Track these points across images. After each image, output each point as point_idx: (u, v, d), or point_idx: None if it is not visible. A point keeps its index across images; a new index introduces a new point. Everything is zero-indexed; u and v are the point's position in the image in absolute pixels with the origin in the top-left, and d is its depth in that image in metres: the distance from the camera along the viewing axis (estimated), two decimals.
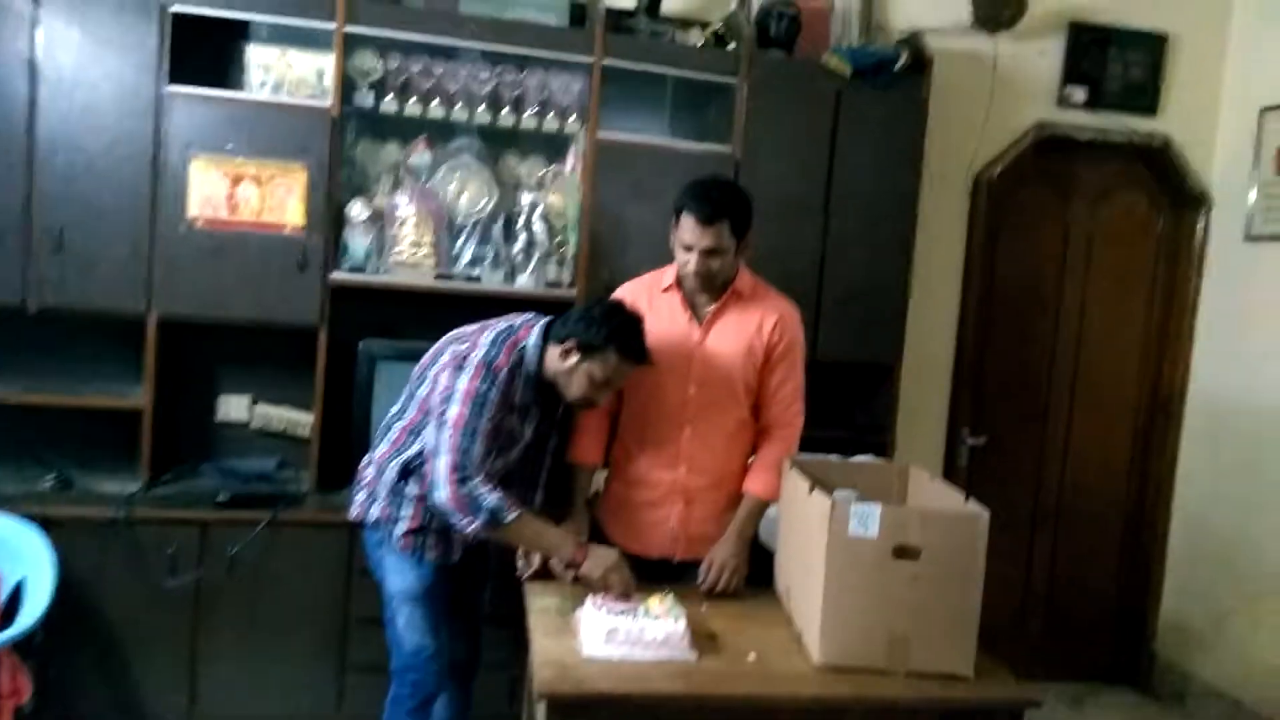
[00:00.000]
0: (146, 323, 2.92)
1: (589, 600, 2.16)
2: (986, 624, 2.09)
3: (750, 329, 2.51)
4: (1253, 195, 3.80)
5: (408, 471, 2.41)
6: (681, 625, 2.07)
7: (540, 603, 2.28)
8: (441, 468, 2.25)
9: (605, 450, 2.64)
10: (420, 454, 2.37)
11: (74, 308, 2.89)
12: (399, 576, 2.45)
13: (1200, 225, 4.03)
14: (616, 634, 2.02)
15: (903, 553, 2.04)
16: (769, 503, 2.53)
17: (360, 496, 2.50)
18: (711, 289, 2.52)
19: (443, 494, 2.24)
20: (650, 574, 2.44)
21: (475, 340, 2.37)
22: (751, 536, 2.53)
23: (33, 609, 2.53)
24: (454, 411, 2.27)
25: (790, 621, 2.28)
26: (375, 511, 2.45)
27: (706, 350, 2.51)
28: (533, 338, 2.40)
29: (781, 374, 2.55)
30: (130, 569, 2.81)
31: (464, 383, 2.29)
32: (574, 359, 2.33)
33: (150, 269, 2.90)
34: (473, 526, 2.24)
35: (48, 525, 2.71)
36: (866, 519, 2.05)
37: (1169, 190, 4.07)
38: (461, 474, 2.24)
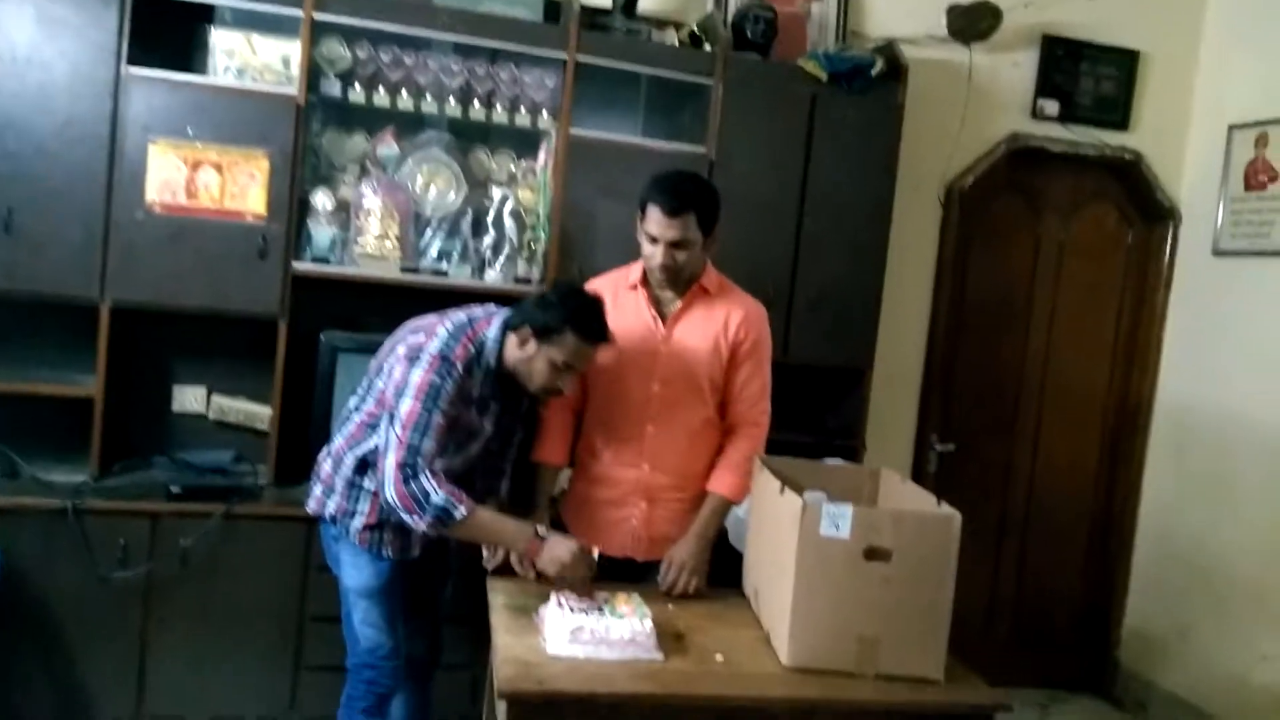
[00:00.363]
0: (100, 309, 2.82)
1: (553, 598, 2.10)
2: (953, 630, 2.06)
3: (716, 326, 2.48)
4: (1221, 211, 3.84)
5: (365, 465, 2.35)
6: (648, 625, 2.02)
7: (502, 600, 2.22)
8: (389, 465, 2.17)
9: (570, 450, 2.59)
10: (377, 448, 2.29)
11: (23, 291, 2.79)
12: (356, 572, 2.38)
13: (1169, 239, 4.06)
14: (581, 632, 1.97)
15: (874, 554, 2.00)
16: (733, 502, 2.48)
17: (317, 490, 2.43)
18: (677, 284, 2.47)
19: (390, 492, 2.16)
20: (613, 574, 2.40)
21: (432, 331, 2.30)
22: (714, 537, 2.47)
23: None
24: (405, 407, 2.19)
25: (758, 623, 2.24)
26: (332, 506, 2.38)
27: (671, 347, 2.47)
28: (493, 330, 2.34)
29: (747, 372, 2.50)
30: (78, 561, 2.71)
31: (418, 376, 2.21)
32: (532, 345, 2.28)
33: (105, 254, 2.81)
34: (422, 524, 2.16)
35: None
36: (838, 519, 2.01)
37: (1139, 204, 4.10)
38: (408, 471, 2.15)
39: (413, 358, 2.24)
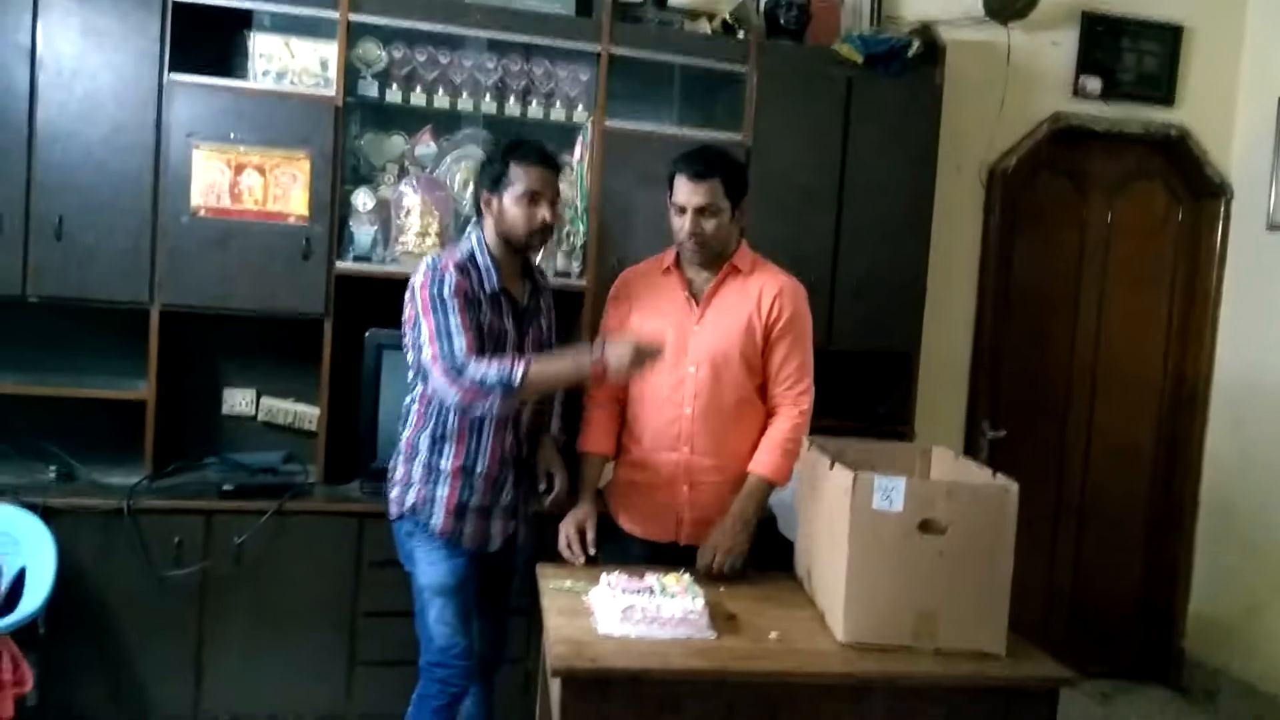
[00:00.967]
0: (150, 313, 2.87)
1: (602, 579, 2.08)
2: (1009, 621, 2.01)
3: (749, 304, 2.45)
4: (1274, 184, 3.74)
5: (438, 442, 2.35)
6: (700, 603, 1.99)
7: (552, 584, 2.21)
8: (437, 376, 2.22)
9: (615, 439, 2.57)
10: (445, 421, 2.34)
11: (75, 298, 2.84)
12: (431, 569, 2.36)
13: (1220, 216, 3.96)
14: (633, 612, 1.95)
15: (929, 527, 1.96)
16: (772, 483, 2.43)
17: (394, 492, 2.40)
18: (708, 258, 2.45)
19: (452, 398, 2.22)
20: (658, 559, 2.39)
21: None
22: (753, 518, 2.41)
23: (34, 598, 2.47)
24: (423, 328, 2.26)
25: (812, 604, 2.20)
26: (410, 498, 2.36)
27: (705, 327, 2.45)
28: (468, 232, 2.44)
29: (784, 351, 2.46)
30: (134, 559, 2.74)
31: (419, 299, 2.28)
32: (495, 202, 2.34)
33: (153, 259, 2.85)
34: (497, 405, 2.21)
35: (49, 515, 2.65)
36: (891, 493, 1.98)
37: (1187, 181, 4.01)
38: (453, 370, 2.20)
39: (410, 298, 2.33)
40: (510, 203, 2.33)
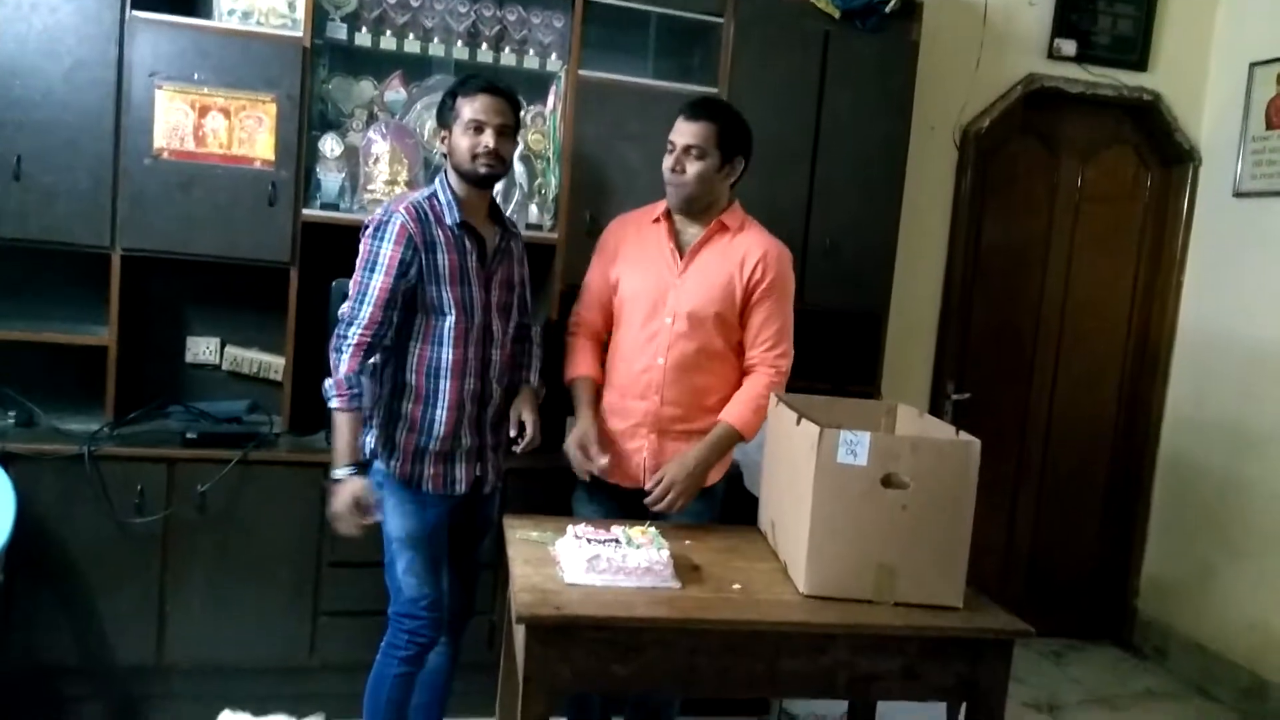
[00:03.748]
0: (111, 257, 2.81)
1: (569, 530, 2.09)
2: (969, 579, 2.04)
3: (731, 264, 2.46)
4: (1241, 152, 3.77)
5: (398, 387, 2.34)
6: (665, 554, 2.01)
7: (519, 534, 2.21)
8: (335, 340, 2.28)
9: (600, 364, 2.58)
10: (405, 366, 2.35)
11: (34, 239, 2.78)
12: (400, 519, 2.35)
13: (1188, 182, 4.00)
14: (598, 561, 1.96)
15: (892, 481, 1.98)
16: (739, 434, 2.46)
17: (365, 437, 2.38)
18: (685, 202, 2.45)
19: (331, 360, 2.28)
20: (626, 502, 2.48)
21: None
22: (711, 462, 2.45)
23: None
24: (354, 281, 2.31)
25: (776, 556, 2.23)
26: (371, 441, 2.36)
27: (686, 281, 2.47)
28: (439, 176, 2.43)
29: (764, 314, 2.48)
30: (96, 507, 2.71)
31: (361, 246, 2.32)
32: (449, 138, 2.38)
33: (114, 202, 2.79)
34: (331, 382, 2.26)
35: (7, 461, 2.61)
36: (855, 447, 1.99)
37: (1158, 146, 4.04)
38: (338, 338, 2.27)
39: (360, 233, 2.35)
40: (459, 135, 2.34)
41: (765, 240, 2.51)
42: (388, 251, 2.27)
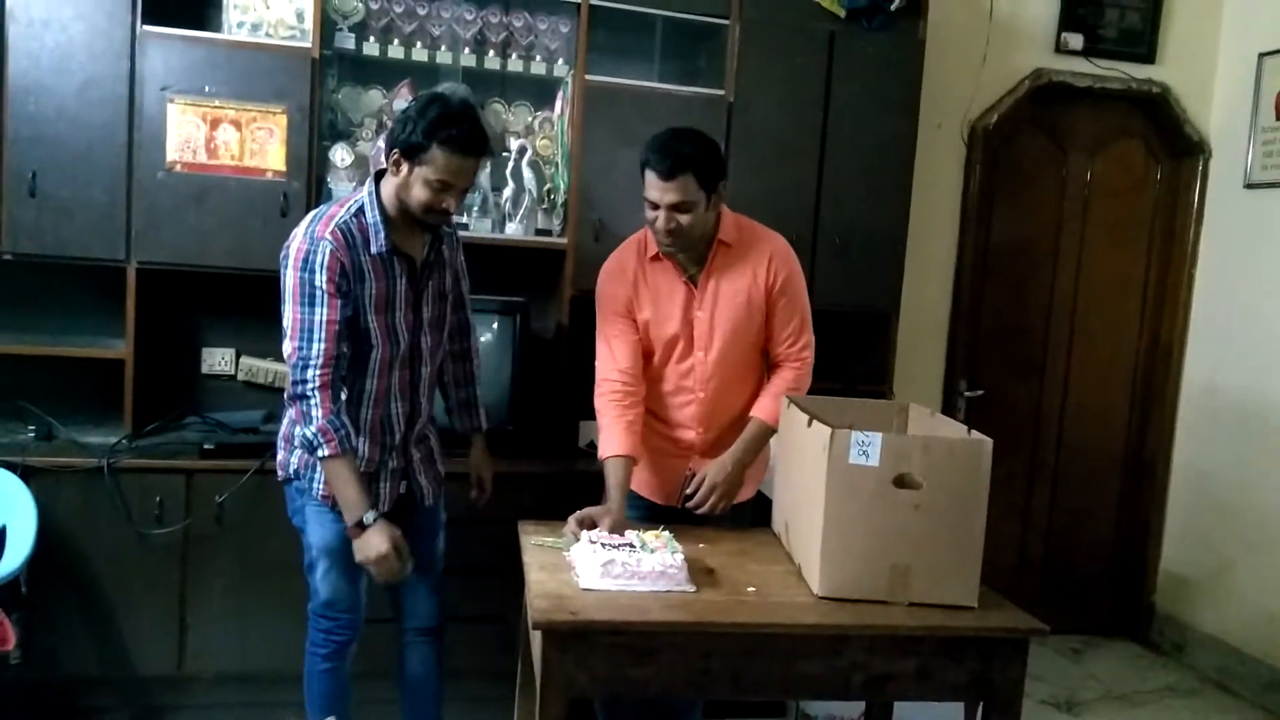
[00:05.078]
0: (126, 271, 2.84)
1: (584, 536, 2.10)
2: (983, 578, 2.04)
3: (746, 280, 2.42)
4: (1251, 143, 3.76)
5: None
6: (679, 558, 2.02)
7: (534, 540, 2.23)
8: (290, 377, 2.12)
9: (639, 441, 2.43)
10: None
11: (50, 255, 2.81)
12: (320, 529, 2.29)
13: (1198, 174, 3.98)
14: (613, 566, 1.97)
15: (904, 482, 1.98)
16: (772, 429, 2.45)
17: (279, 455, 2.33)
18: (688, 247, 2.37)
19: (291, 412, 2.16)
20: (658, 518, 2.41)
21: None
22: (750, 462, 2.47)
23: (14, 557, 2.47)
24: (287, 315, 2.13)
25: (790, 558, 2.23)
26: (294, 462, 2.28)
27: (707, 310, 2.42)
28: (366, 186, 2.22)
29: (785, 313, 2.46)
30: (115, 518, 2.74)
31: (289, 279, 2.12)
32: (404, 168, 2.14)
33: (129, 215, 2.82)
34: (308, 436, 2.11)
35: (28, 474, 2.64)
36: (868, 447, 1.99)
37: (1167, 139, 4.02)
38: (299, 385, 2.09)
39: (283, 262, 2.16)
40: (420, 184, 2.13)
41: (768, 241, 2.48)
42: (322, 283, 2.10)
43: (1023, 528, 4.08)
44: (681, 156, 2.26)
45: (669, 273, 2.43)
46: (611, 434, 2.39)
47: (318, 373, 2.11)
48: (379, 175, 2.24)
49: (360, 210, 2.19)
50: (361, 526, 2.14)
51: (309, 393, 2.11)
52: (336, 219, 2.15)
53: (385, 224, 2.19)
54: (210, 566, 2.82)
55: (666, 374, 2.47)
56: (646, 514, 2.50)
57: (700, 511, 2.40)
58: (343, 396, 2.20)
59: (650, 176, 2.27)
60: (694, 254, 2.41)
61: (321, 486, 2.25)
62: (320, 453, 2.11)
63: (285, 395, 2.25)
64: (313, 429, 2.10)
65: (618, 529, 2.20)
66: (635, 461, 2.41)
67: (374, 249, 2.17)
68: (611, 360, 2.43)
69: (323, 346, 2.11)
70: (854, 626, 1.92)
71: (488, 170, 3.15)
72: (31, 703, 2.74)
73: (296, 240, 2.15)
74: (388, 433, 2.30)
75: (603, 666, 1.86)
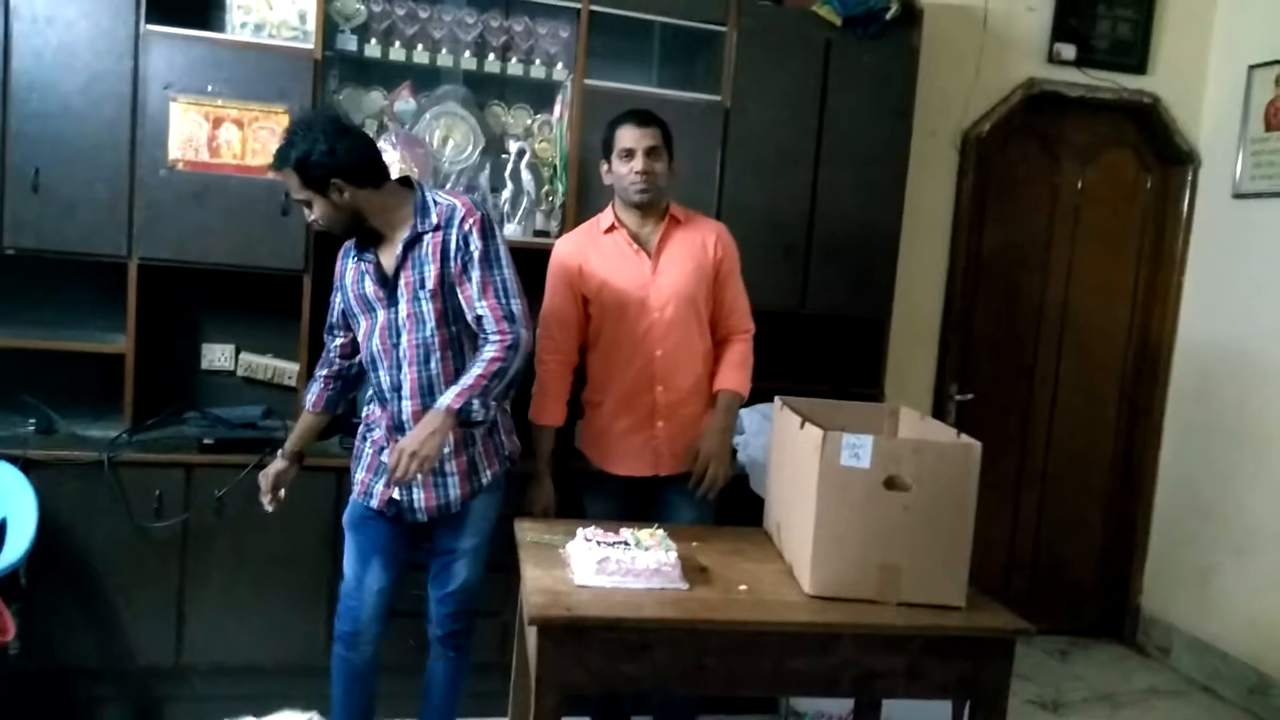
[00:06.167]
0: (128, 267, 2.87)
1: (579, 533, 2.14)
2: (971, 580, 2.08)
3: (696, 249, 2.67)
4: (1241, 153, 3.81)
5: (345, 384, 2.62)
6: (673, 556, 2.06)
7: (530, 537, 2.26)
8: None
9: (566, 410, 2.72)
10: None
11: (53, 250, 2.83)
12: (349, 505, 2.55)
13: (1188, 184, 4.03)
14: (608, 563, 2.01)
15: (895, 483, 2.03)
16: (741, 395, 2.70)
17: None
18: (657, 199, 2.63)
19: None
20: (639, 491, 2.68)
21: None
22: (731, 428, 2.70)
23: (15, 549, 2.50)
24: None
25: (781, 557, 2.28)
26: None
27: (661, 276, 2.64)
28: None
29: (732, 289, 2.73)
30: (115, 512, 2.77)
31: None
32: (344, 188, 2.30)
33: (131, 212, 2.85)
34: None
35: (28, 467, 2.67)
36: (859, 449, 2.04)
37: (1157, 149, 4.07)
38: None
39: None
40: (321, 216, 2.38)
41: (712, 224, 2.77)
42: (336, 279, 2.53)
43: (1011, 529, 4.13)
44: (650, 113, 2.64)
45: (622, 244, 2.66)
46: (547, 402, 2.67)
47: (329, 340, 2.57)
48: None
49: None
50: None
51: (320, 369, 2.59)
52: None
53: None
54: (209, 560, 2.85)
55: (623, 338, 2.63)
56: (625, 491, 2.68)
57: (707, 483, 2.61)
58: (324, 371, 2.58)
59: (626, 129, 2.59)
60: (649, 223, 2.65)
61: (355, 466, 2.51)
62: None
63: None
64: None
65: (551, 508, 2.62)
66: (558, 427, 2.71)
67: (349, 255, 2.46)
68: (550, 333, 2.67)
69: (329, 320, 2.56)
70: (844, 625, 1.97)
71: (486, 171, 3.19)
72: (31, 693, 2.77)
73: None
74: (382, 433, 2.44)
75: (597, 662, 1.89)
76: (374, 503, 2.44)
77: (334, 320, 2.53)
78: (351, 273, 2.43)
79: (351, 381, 2.62)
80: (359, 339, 2.46)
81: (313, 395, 2.59)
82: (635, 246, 2.65)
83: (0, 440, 2.76)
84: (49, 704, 2.82)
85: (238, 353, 3.23)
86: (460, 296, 2.33)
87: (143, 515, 2.79)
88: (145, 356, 2.96)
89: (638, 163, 2.56)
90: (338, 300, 2.50)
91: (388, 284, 2.37)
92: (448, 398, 2.24)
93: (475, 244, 2.31)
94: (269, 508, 2.54)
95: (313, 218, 2.36)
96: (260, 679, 2.87)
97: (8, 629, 2.42)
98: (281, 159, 2.27)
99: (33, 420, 2.89)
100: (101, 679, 2.86)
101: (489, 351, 2.28)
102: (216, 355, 3.23)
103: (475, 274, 2.31)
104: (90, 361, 2.94)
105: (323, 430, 2.74)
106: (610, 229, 2.66)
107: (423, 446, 2.18)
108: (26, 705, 2.76)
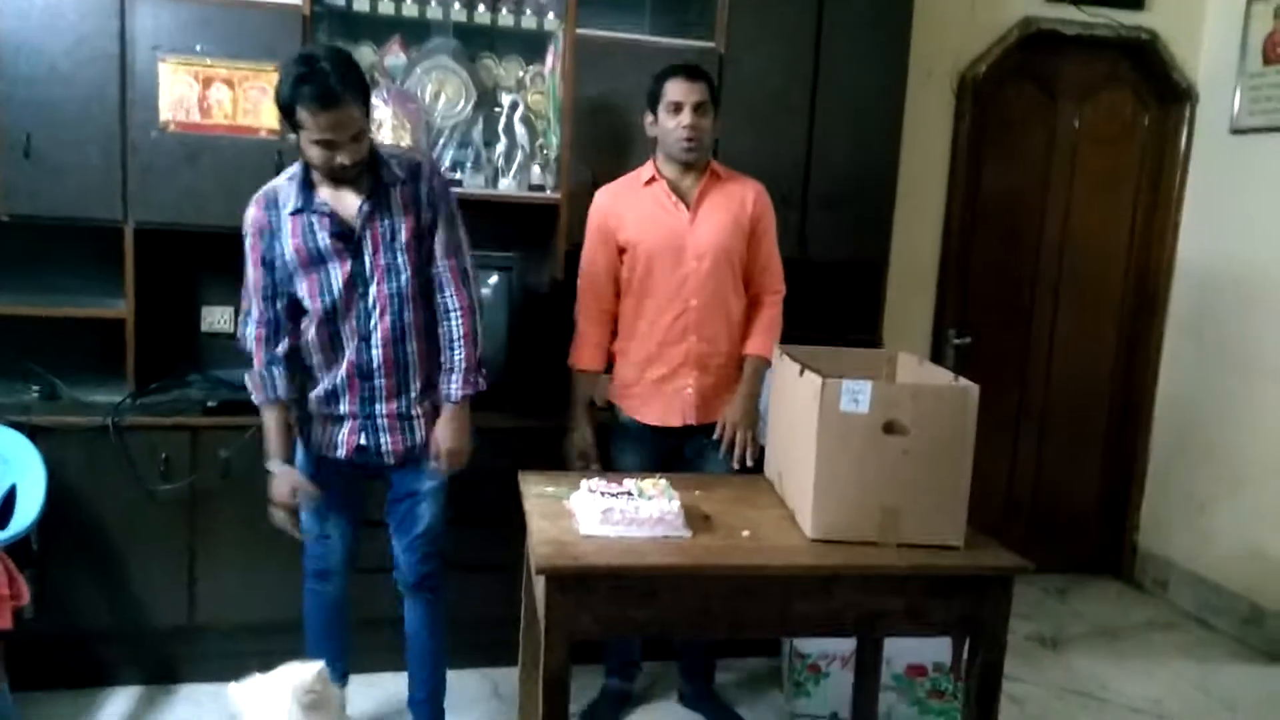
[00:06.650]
0: (124, 231, 2.86)
1: (583, 485, 2.17)
2: (970, 519, 2.11)
3: (734, 204, 2.72)
4: (1238, 88, 3.78)
5: (295, 351, 2.44)
6: (676, 504, 2.08)
7: (535, 490, 2.29)
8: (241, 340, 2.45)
9: (608, 355, 2.78)
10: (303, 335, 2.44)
11: (48, 216, 2.83)
12: (298, 459, 2.51)
13: (1186, 121, 4.01)
14: (612, 513, 2.04)
15: (893, 428, 2.05)
16: (769, 361, 2.69)
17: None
18: (702, 153, 2.67)
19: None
20: (672, 439, 2.75)
21: None
22: (758, 395, 2.72)
23: (25, 514, 2.53)
24: None
25: (783, 503, 2.31)
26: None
27: (699, 228, 2.68)
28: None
29: (767, 245, 2.78)
30: (122, 475, 2.80)
31: None
32: (294, 134, 2.25)
33: (124, 176, 2.83)
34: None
35: (35, 434, 2.69)
36: (857, 395, 2.05)
37: (1155, 86, 4.04)
38: (240, 339, 2.42)
39: None
40: (306, 145, 2.22)
41: (751, 182, 2.79)
42: (248, 249, 2.35)
43: (1010, 469, 4.17)
44: (700, 67, 2.69)
45: (661, 196, 2.69)
46: (586, 346, 2.75)
47: (252, 330, 2.39)
48: None
49: (294, 174, 2.35)
50: (269, 471, 2.42)
51: (248, 346, 2.41)
52: (271, 184, 2.37)
53: (304, 183, 2.32)
54: (217, 520, 2.89)
55: (659, 288, 2.67)
56: (657, 441, 2.75)
57: (739, 452, 2.69)
58: (280, 349, 2.40)
59: (676, 82, 2.62)
60: (690, 177, 2.69)
61: (299, 422, 2.49)
62: (253, 399, 2.41)
63: None
64: (250, 375, 2.40)
65: (590, 451, 2.71)
66: (599, 374, 2.78)
67: (287, 208, 2.32)
68: (591, 279, 2.74)
69: (255, 305, 2.38)
70: (846, 567, 2.00)
71: (479, 126, 3.17)
72: (47, 657, 2.82)
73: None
74: (337, 379, 2.40)
75: (604, 609, 1.93)
76: (340, 452, 2.43)
77: (268, 285, 2.34)
78: (291, 225, 2.30)
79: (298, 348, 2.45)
80: (300, 295, 2.34)
81: (281, 382, 2.39)
82: (674, 198, 2.68)
83: (6, 407, 2.77)
84: (65, 666, 2.88)
85: (237, 314, 3.23)
86: (424, 252, 2.41)
87: (150, 478, 2.82)
88: (145, 321, 2.96)
89: (685, 117, 2.59)
90: (261, 261, 2.33)
91: (349, 235, 2.32)
92: (455, 387, 2.41)
93: (442, 201, 2.40)
94: (281, 524, 2.45)
95: (347, 161, 2.22)
96: (272, 636, 2.89)
97: (22, 593, 2.45)
98: (356, 89, 2.19)
99: (36, 387, 2.90)
100: (116, 640, 2.92)
101: (459, 326, 2.40)
102: (216, 317, 3.24)
103: (441, 233, 2.40)
104: (91, 327, 2.95)
105: None
106: (650, 181, 2.70)
107: (464, 442, 2.45)
108: (43, 668, 2.81)
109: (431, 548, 2.57)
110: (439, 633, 2.65)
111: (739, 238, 2.70)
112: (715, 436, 2.70)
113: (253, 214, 2.34)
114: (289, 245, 2.32)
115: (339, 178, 2.29)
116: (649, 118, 2.69)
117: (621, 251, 2.71)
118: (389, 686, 2.93)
